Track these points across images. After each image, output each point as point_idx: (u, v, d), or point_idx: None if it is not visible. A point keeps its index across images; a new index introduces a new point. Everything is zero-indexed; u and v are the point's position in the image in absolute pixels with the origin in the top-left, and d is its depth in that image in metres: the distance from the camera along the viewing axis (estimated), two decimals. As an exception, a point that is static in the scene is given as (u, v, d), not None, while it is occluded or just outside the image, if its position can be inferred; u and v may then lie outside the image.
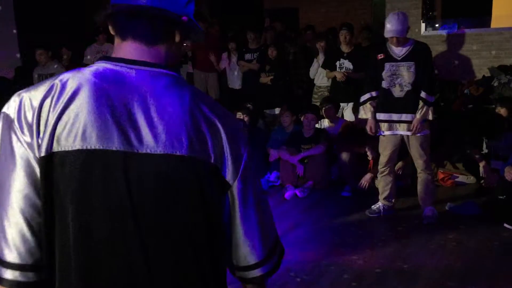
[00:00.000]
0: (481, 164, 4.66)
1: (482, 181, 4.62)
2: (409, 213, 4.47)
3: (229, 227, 1.14)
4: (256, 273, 1.19)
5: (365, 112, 4.30)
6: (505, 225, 4.07)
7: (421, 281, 3.26)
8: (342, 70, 5.94)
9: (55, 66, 6.59)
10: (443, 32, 6.64)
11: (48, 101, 1.02)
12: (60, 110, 1.01)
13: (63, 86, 1.03)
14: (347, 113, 6.08)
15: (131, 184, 1.02)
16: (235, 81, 7.60)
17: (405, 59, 4.08)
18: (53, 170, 1.01)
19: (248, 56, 7.16)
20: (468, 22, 6.90)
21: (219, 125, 1.09)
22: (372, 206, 4.48)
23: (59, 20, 7.92)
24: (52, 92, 1.03)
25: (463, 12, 7.39)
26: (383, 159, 4.37)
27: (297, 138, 5.60)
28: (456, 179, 5.30)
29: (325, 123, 5.96)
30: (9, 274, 1.03)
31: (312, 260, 3.61)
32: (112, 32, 1.13)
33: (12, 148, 1.02)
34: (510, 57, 6.29)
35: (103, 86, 1.04)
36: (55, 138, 1.01)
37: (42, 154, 1.01)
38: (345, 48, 6.01)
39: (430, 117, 4.07)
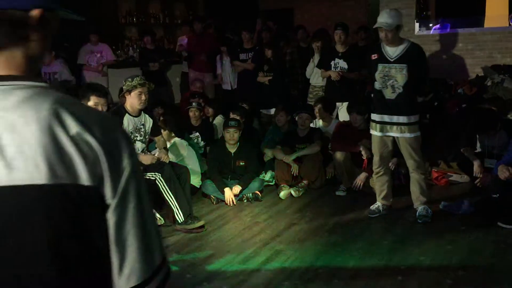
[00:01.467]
0: (476, 163, 4.67)
1: (477, 180, 4.63)
2: (403, 212, 4.49)
3: (108, 250, 0.98)
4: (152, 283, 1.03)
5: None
6: (499, 223, 4.10)
7: (415, 280, 3.27)
8: (337, 70, 5.94)
9: (59, 65, 6.63)
10: (437, 32, 6.67)
11: None
12: None
13: None
14: (342, 113, 6.09)
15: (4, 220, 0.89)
16: (227, 83, 7.63)
17: (398, 61, 4.07)
18: None
19: (243, 56, 7.17)
20: (461, 22, 6.94)
21: (91, 139, 0.91)
22: (371, 207, 4.47)
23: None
24: None
25: (457, 12, 7.44)
26: (377, 159, 4.38)
27: (292, 137, 5.61)
28: (450, 178, 5.33)
29: (320, 123, 5.97)
30: None
31: (306, 260, 3.62)
32: None
33: None
34: (503, 57, 6.33)
35: None
36: None
37: None
38: (340, 48, 6.02)
39: (411, 119, 4.11)
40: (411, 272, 3.37)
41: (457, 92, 6.24)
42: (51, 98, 0.92)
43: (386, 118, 4.18)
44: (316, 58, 6.42)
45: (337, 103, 6.08)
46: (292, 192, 5.13)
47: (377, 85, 4.16)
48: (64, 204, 0.90)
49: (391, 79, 4.08)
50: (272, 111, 6.63)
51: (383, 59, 4.11)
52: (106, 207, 0.95)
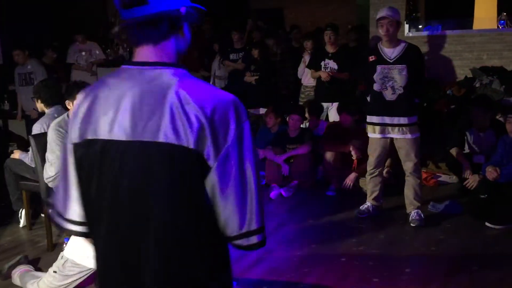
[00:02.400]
0: (465, 166, 4.70)
1: (466, 182, 4.66)
2: (393, 212, 4.51)
3: (213, 206, 1.25)
4: (240, 242, 1.32)
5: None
6: (487, 223, 4.13)
7: (405, 279, 3.29)
8: (327, 70, 5.96)
9: (34, 63, 6.52)
10: (426, 33, 6.71)
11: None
12: None
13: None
14: (332, 113, 6.10)
15: (121, 167, 1.24)
16: (216, 82, 7.62)
17: (397, 61, 4.03)
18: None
19: (233, 56, 7.16)
20: (450, 24, 6.98)
21: (201, 114, 1.20)
22: (361, 207, 4.46)
23: (41, 19, 7.83)
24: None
25: (446, 13, 7.49)
26: (372, 161, 4.34)
27: (282, 138, 5.62)
28: (438, 179, 5.37)
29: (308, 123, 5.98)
30: (72, 227, 1.40)
31: (297, 260, 3.63)
32: (127, 44, 1.38)
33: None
34: (492, 59, 6.39)
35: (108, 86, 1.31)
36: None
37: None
38: (330, 48, 6.03)
39: (411, 120, 4.09)
40: (400, 272, 3.39)
41: (446, 93, 6.28)
42: (179, 79, 1.24)
43: (387, 119, 4.13)
44: (307, 58, 6.43)
45: (327, 103, 6.09)
46: (282, 192, 5.14)
47: (376, 86, 4.11)
48: (174, 160, 1.20)
49: (391, 80, 4.04)
50: (260, 110, 6.63)
51: (382, 60, 4.07)
52: (209, 168, 1.21)
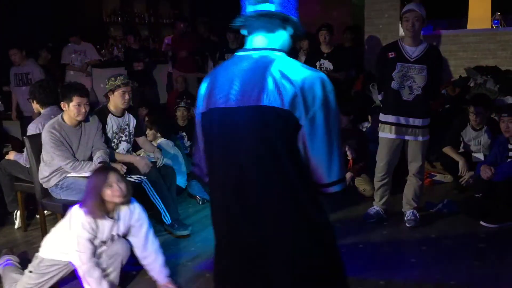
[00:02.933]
0: (461, 162, 4.71)
1: (462, 179, 4.67)
2: (389, 211, 4.51)
3: (305, 156, 1.61)
4: (328, 190, 1.67)
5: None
6: (482, 222, 4.15)
7: (400, 278, 3.30)
8: (322, 71, 5.98)
9: (31, 64, 6.48)
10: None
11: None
12: None
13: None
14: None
15: (233, 125, 1.64)
16: None
17: (418, 61, 3.89)
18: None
19: (228, 56, 7.16)
20: (445, 24, 7.02)
21: (291, 85, 1.57)
22: (369, 211, 4.35)
23: (35, 19, 7.80)
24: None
25: (440, 13, 7.52)
26: (382, 166, 4.18)
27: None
28: (433, 178, 5.39)
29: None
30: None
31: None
32: (243, 30, 1.74)
33: None
34: (486, 58, 6.42)
35: (227, 67, 1.73)
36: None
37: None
38: (325, 49, 6.05)
39: (426, 122, 4.02)
40: (396, 271, 3.40)
41: (441, 93, 6.30)
42: (278, 59, 1.64)
43: (402, 120, 3.99)
44: (303, 58, 6.44)
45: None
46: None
47: (394, 85, 3.95)
48: (275, 118, 1.57)
49: (409, 79, 3.90)
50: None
51: (402, 58, 3.93)
52: (300, 126, 1.57)
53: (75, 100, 3.68)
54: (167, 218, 4.08)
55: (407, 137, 4.06)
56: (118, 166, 3.91)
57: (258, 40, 1.71)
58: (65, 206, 3.71)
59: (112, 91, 4.06)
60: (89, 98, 3.86)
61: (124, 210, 3.14)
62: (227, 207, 1.71)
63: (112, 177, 3.00)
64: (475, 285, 3.20)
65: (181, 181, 5.02)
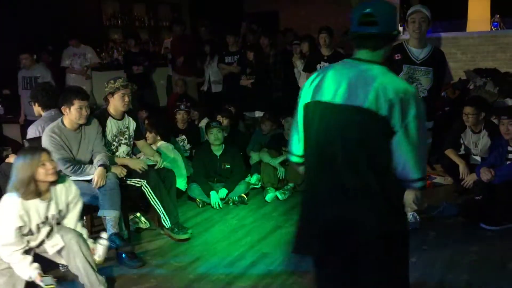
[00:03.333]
0: (461, 165, 4.71)
1: (464, 182, 4.66)
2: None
3: (396, 156, 1.93)
4: (413, 185, 2.00)
5: None
6: (482, 225, 4.15)
7: (400, 281, 3.29)
8: None
9: (41, 68, 6.49)
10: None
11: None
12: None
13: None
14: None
15: (335, 119, 1.97)
16: (206, 84, 7.63)
17: (424, 63, 3.87)
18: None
19: (228, 59, 7.17)
20: (444, 26, 7.03)
21: (390, 95, 1.87)
22: None
23: (35, 23, 7.81)
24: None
25: (440, 16, 7.53)
26: None
27: (278, 140, 5.61)
28: (433, 180, 5.38)
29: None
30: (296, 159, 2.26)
31: (293, 262, 3.63)
32: (352, 42, 2.07)
33: None
34: (485, 60, 6.43)
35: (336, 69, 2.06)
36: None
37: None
38: (325, 51, 6.07)
39: (430, 125, 4.01)
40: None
41: (440, 96, 6.31)
42: (382, 72, 1.95)
43: None
44: (299, 64, 6.47)
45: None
46: (278, 195, 5.14)
47: None
48: (373, 120, 1.89)
49: (415, 82, 3.87)
50: (256, 113, 6.64)
51: (409, 60, 3.89)
52: (393, 133, 1.89)
53: (77, 103, 3.68)
54: (166, 222, 4.07)
55: None
56: (118, 169, 3.91)
57: (362, 54, 2.02)
58: (65, 210, 3.72)
59: (112, 93, 4.06)
60: (89, 101, 3.87)
61: (59, 188, 3.11)
62: (316, 192, 2.09)
63: (45, 156, 2.97)
64: (476, 285, 3.20)
65: (181, 184, 5.02)
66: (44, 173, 2.94)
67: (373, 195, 1.94)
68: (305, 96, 2.09)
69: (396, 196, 2.06)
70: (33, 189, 2.94)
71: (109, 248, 3.74)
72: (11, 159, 4.46)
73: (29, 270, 2.99)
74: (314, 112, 2.03)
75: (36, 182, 2.94)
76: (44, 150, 3.07)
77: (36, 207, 3.00)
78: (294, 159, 2.25)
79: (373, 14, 1.95)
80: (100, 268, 3.67)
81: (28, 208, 2.97)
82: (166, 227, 4.10)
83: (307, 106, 2.07)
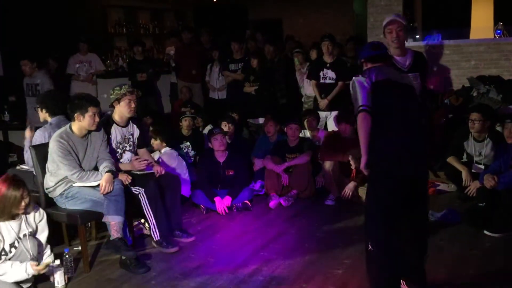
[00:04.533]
0: (464, 173, 4.71)
1: (467, 189, 4.67)
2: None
3: None
4: None
5: None
6: (486, 232, 4.15)
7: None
8: (326, 80, 6.05)
9: (41, 75, 6.52)
10: (424, 43, 6.77)
11: None
12: None
13: None
14: (330, 123, 6.15)
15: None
16: (214, 91, 7.66)
17: (411, 70, 3.94)
18: None
19: (232, 66, 7.21)
20: (447, 33, 7.05)
21: None
22: None
23: (41, 30, 7.89)
24: None
25: (443, 23, 7.55)
26: None
27: (281, 147, 5.64)
28: (437, 187, 5.38)
29: (307, 133, 6.02)
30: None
31: (296, 269, 3.63)
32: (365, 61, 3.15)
33: None
34: (488, 68, 6.44)
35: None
36: None
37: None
38: (327, 58, 6.11)
39: None
40: (400, 281, 3.39)
41: (444, 103, 6.31)
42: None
43: None
44: (299, 70, 6.67)
45: (326, 113, 6.14)
46: (282, 202, 5.15)
47: None
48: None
49: None
50: (259, 120, 6.67)
51: (396, 69, 3.91)
52: None
53: (91, 110, 3.73)
54: (155, 235, 4.04)
55: None
56: (123, 177, 3.93)
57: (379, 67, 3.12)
58: (70, 216, 3.75)
59: (118, 100, 4.08)
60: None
61: (31, 214, 3.43)
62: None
63: (25, 192, 3.27)
64: (479, 295, 3.20)
65: (185, 190, 5.03)
66: (21, 207, 3.26)
67: None
68: (378, 76, 2.99)
69: None
70: (7, 216, 3.25)
71: (113, 253, 3.79)
72: (27, 133, 4.56)
73: (21, 268, 3.16)
74: (389, 86, 3.00)
75: (11, 211, 3.24)
76: (25, 185, 3.33)
77: (7, 228, 3.25)
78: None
79: None
80: (105, 274, 3.70)
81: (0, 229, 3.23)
82: (154, 239, 4.07)
83: (377, 83, 2.98)
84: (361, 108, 2.90)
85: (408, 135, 2.96)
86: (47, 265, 3.26)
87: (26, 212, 3.36)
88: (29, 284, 3.40)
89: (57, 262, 3.53)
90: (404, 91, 3.06)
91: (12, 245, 3.27)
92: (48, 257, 3.44)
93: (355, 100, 2.94)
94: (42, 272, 3.24)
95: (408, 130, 2.97)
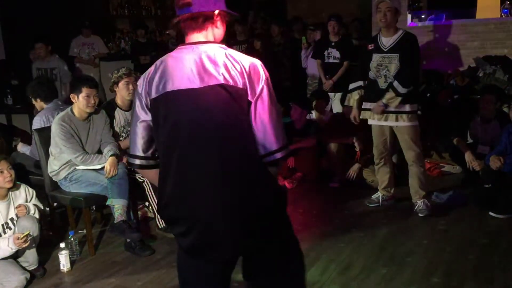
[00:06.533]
0: (466, 154, 4.68)
1: (470, 165, 4.64)
2: (396, 202, 4.51)
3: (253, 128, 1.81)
4: (271, 158, 1.84)
5: (350, 101, 4.40)
6: (491, 213, 4.13)
7: (408, 269, 3.30)
8: (330, 60, 6.03)
9: (56, 60, 6.48)
10: (429, 23, 6.68)
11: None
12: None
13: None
14: (335, 104, 6.11)
15: (197, 103, 1.80)
16: None
17: (390, 50, 4.06)
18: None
19: (236, 48, 7.14)
20: (453, 13, 6.96)
21: (242, 66, 1.82)
22: (372, 196, 4.51)
23: (43, 13, 7.82)
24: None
25: (449, 3, 7.45)
26: (374, 150, 4.40)
27: (288, 129, 5.58)
28: (442, 169, 5.36)
29: (313, 115, 5.98)
30: (137, 161, 1.97)
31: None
32: (183, 30, 1.95)
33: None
34: (495, 48, 6.36)
35: (177, 57, 1.89)
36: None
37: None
38: (333, 38, 6.09)
39: (407, 108, 4.04)
40: (404, 262, 3.40)
41: (449, 83, 6.26)
42: (225, 49, 1.88)
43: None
44: (302, 52, 6.60)
45: (330, 94, 6.10)
46: (286, 184, 5.14)
47: (370, 74, 4.16)
48: (230, 93, 1.78)
49: (384, 69, 4.07)
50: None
51: (378, 49, 4.11)
52: (250, 103, 1.81)
53: (85, 91, 3.71)
54: (160, 223, 4.03)
55: (388, 123, 4.17)
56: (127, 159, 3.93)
57: (194, 36, 1.92)
58: (74, 199, 3.75)
59: (116, 83, 4.09)
60: (98, 90, 3.88)
61: (18, 192, 3.48)
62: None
63: (4, 164, 3.30)
64: (484, 274, 3.20)
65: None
66: (1, 181, 3.30)
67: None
68: (151, 90, 1.88)
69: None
70: None
71: (118, 236, 3.80)
72: (19, 147, 4.50)
73: (4, 243, 3.22)
74: (168, 103, 1.83)
75: None
76: (4, 158, 3.38)
77: None
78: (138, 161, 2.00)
79: None
80: (110, 257, 3.72)
81: None
82: (160, 227, 4.05)
83: (154, 102, 1.86)
84: None
85: None
86: (27, 236, 3.22)
87: (11, 190, 3.41)
88: (34, 266, 3.42)
89: (62, 245, 3.54)
90: None
91: (7, 226, 3.34)
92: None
93: None
94: (24, 245, 3.24)
95: None
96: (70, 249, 3.64)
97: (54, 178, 3.86)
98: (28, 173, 4.36)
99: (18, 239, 3.20)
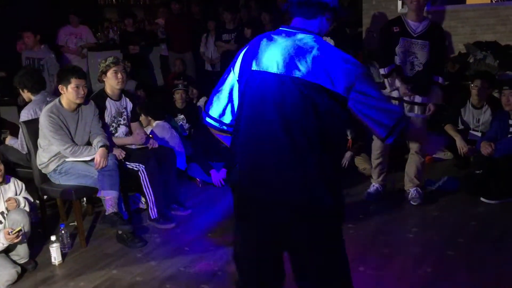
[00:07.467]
0: (457, 139, 4.69)
1: (460, 150, 4.65)
2: (389, 189, 4.51)
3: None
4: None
5: (391, 84, 4.01)
6: (482, 199, 4.15)
7: (400, 256, 3.31)
8: None
9: (44, 50, 6.37)
10: (427, 9, 6.64)
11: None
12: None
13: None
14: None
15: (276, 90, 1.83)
16: (209, 63, 7.53)
17: (421, 37, 3.88)
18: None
19: (225, 36, 7.08)
20: (444, -1, 6.92)
21: (341, 63, 1.76)
22: (369, 190, 4.39)
23: (29, 2, 7.69)
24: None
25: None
26: (380, 143, 4.18)
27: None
28: (433, 155, 5.37)
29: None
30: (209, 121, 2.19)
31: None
32: (287, 14, 1.95)
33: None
34: (485, 33, 6.34)
35: (272, 40, 1.92)
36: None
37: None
38: (327, 25, 6.02)
39: (420, 100, 3.97)
40: (396, 248, 3.41)
41: (444, 71, 6.24)
42: (322, 42, 1.85)
43: (404, 97, 3.98)
44: None
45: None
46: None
47: (397, 60, 3.95)
48: (310, 91, 1.77)
49: (411, 55, 3.89)
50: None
51: (406, 33, 3.90)
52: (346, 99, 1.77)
53: (74, 82, 3.65)
54: (153, 212, 4.00)
55: (411, 114, 4.01)
56: (117, 152, 3.89)
57: (298, 22, 1.91)
58: (64, 191, 3.71)
59: (104, 73, 4.02)
60: (86, 81, 3.82)
61: (8, 185, 3.46)
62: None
63: None
64: (475, 260, 3.21)
65: (180, 163, 4.99)
66: None
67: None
68: (241, 65, 2.03)
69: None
70: None
71: (109, 228, 3.77)
72: (8, 140, 4.44)
73: None
74: (253, 81, 1.91)
75: None
76: None
77: None
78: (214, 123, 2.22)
79: None
80: (102, 249, 3.69)
81: None
82: (152, 217, 4.03)
83: (242, 75, 2.00)
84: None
85: None
86: (19, 231, 3.19)
87: (1, 184, 3.39)
88: (25, 260, 3.39)
89: (53, 238, 3.51)
90: None
91: None
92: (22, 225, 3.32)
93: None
94: (15, 241, 3.21)
95: None
96: (61, 241, 3.61)
97: (43, 171, 3.81)
98: (16, 166, 4.31)
99: (9, 234, 3.16)
